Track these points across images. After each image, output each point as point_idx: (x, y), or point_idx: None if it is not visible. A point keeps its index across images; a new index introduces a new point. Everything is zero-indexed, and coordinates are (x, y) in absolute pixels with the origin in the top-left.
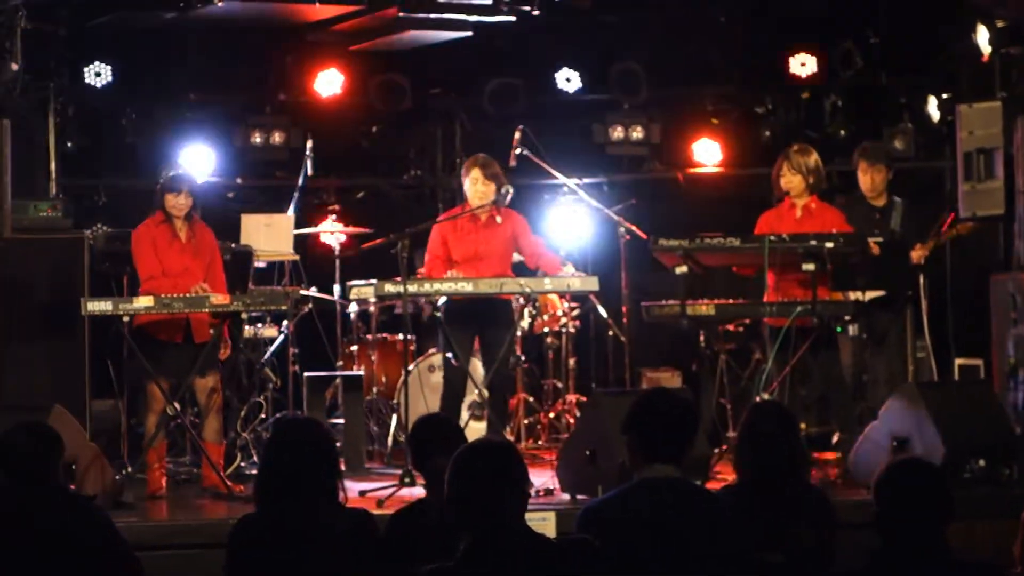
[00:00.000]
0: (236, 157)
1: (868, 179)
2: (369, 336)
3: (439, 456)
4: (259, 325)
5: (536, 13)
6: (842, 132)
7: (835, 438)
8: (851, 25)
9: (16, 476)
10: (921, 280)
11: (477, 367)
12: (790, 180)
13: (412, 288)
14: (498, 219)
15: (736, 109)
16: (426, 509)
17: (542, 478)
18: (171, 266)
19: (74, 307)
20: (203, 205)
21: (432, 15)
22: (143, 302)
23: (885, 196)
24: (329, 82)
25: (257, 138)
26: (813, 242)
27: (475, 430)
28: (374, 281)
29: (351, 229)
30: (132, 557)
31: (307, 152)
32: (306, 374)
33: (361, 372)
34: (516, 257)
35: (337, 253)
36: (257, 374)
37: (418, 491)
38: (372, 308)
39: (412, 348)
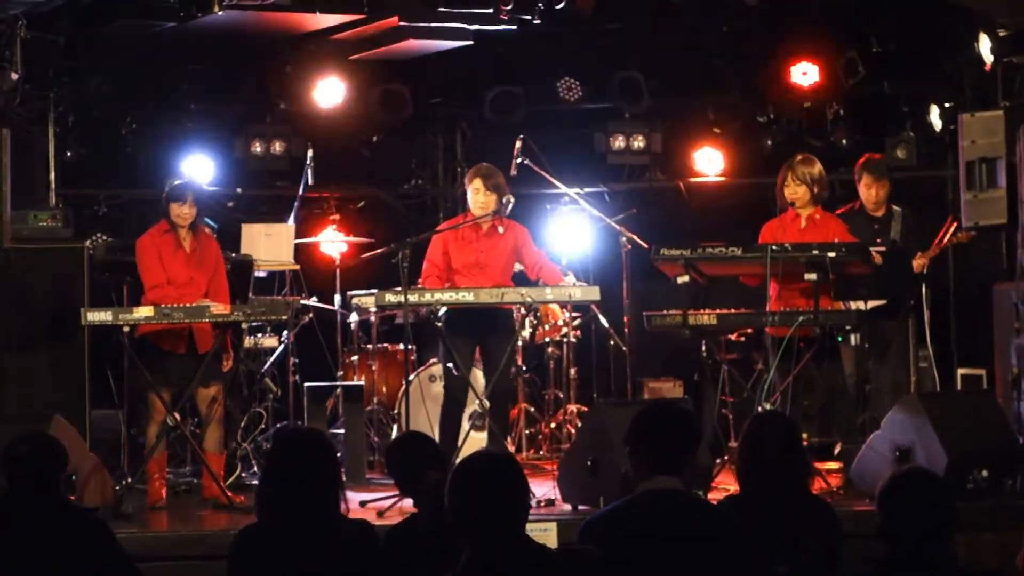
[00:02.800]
0: (236, 166)
1: (872, 193)
2: (370, 346)
3: (431, 470)
4: (259, 335)
5: (537, 22)
6: (844, 141)
7: (837, 448)
8: (854, 34)
9: (19, 487)
10: (924, 290)
11: (478, 377)
12: (794, 191)
13: (413, 298)
14: (500, 229)
15: (738, 118)
16: (418, 524)
17: (543, 488)
18: (176, 276)
19: (74, 317)
20: (208, 215)
21: (433, 24)
22: (143, 312)
23: (885, 206)
24: (330, 91)
25: (257, 147)
26: (815, 252)
27: (476, 440)
28: (375, 291)
29: (352, 239)
30: (132, 568)
31: (308, 161)
32: (307, 384)
33: (362, 382)
34: (517, 267)
35: (338, 263)
36: (257, 384)
37: None
38: (373, 318)
39: (413, 358)
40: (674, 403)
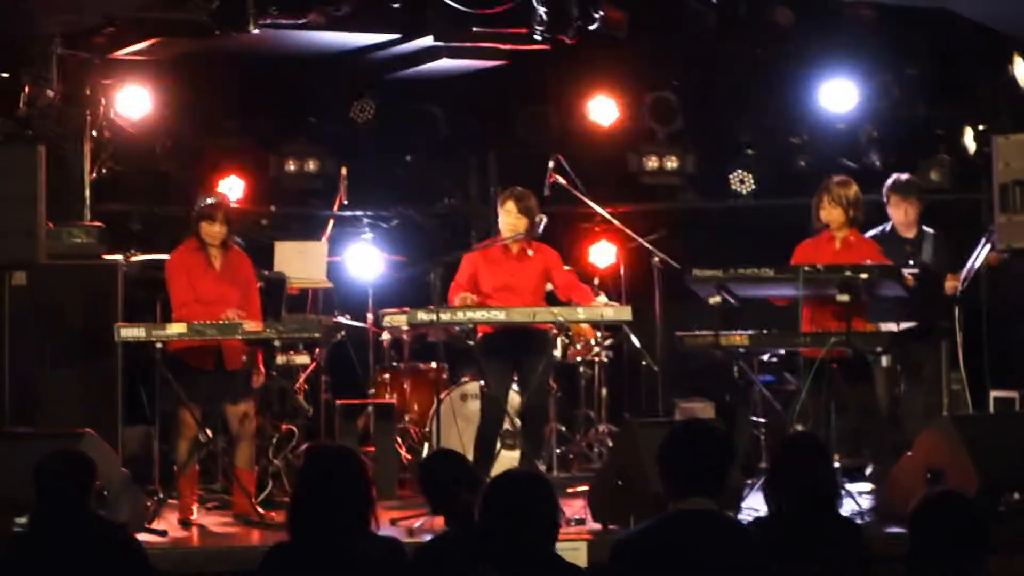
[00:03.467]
0: (270, 184)
1: (901, 212)
2: (402, 364)
3: (463, 491)
4: (291, 352)
5: (570, 42)
6: (877, 163)
7: (869, 470)
8: (888, 57)
9: (50, 502)
10: (956, 312)
11: (514, 398)
12: (830, 213)
13: (445, 317)
14: (530, 252)
15: (772, 139)
16: (449, 542)
17: (574, 508)
18: (205, 293)
19: (107, 333)
20: (241, 233)
21: (467, 44)
22: (176, 329)
23: (916, 228)
24: (363, 110)
25: (291, 166)
26: (848, 273)
27: (507, 459)
28: (407, 309)
29: (385, 257)
30: None
31: (341, 180)
32: (338, 402)
33: (393, 400)
34: (548, 287)
35: (370, 281)
36: (289, 402)
37: None
38: (405, 336)
39: (444, 376)
40: (707, 422)
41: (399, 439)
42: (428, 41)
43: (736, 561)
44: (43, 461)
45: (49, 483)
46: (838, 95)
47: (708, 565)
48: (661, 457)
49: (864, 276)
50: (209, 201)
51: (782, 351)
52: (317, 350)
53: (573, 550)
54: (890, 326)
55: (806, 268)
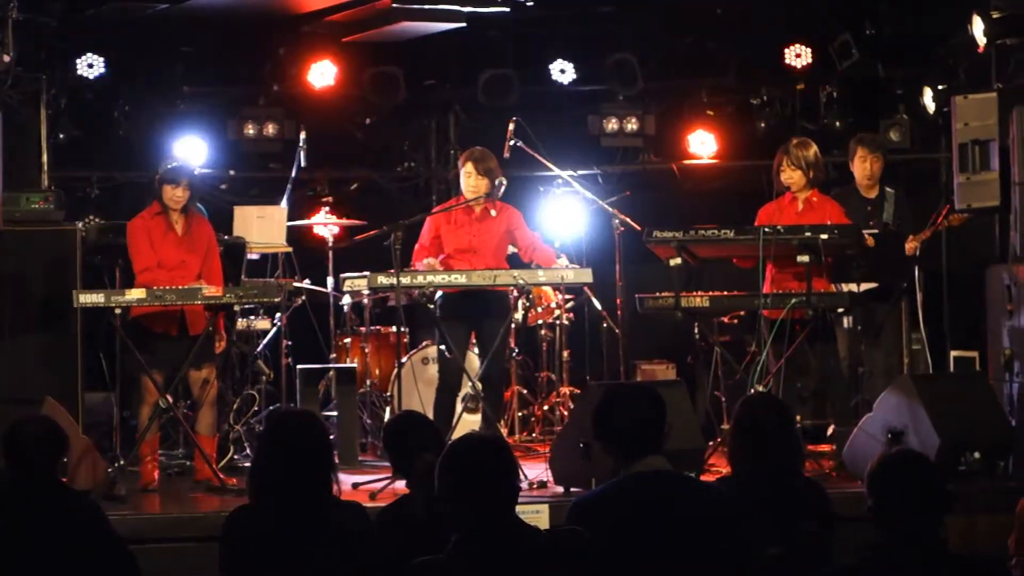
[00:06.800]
0: (229, 149)
1: (867, 167)
2: (362, 328)
3: (425, 452)
4: (252, 317)
5: (530, 4)
6: (838, 124)
7: (830, 430)
8: (848, 16)
9: (20, 469)
10: (916, 272)
11: (473, 361)
12: (791, 175)
13: (405, 280)
14: (492, 212)
15: (732, 100)
16: (411, 505)
17: (536, 471)
18: (167, 259)
19: (66, 299)
20: (201, 198)
21: (426, 6)
22: (135, 294)
23: (877, 187)
24: (323, 73)
25: (250, 130)
26: (808, 234)
27: (469, 423)
28: (367, 273)
29: (344, 221)
30: (126, 551)
31: (300, 144)
32: (299, 367)
33: (355, 364)
34: (511, 250)
35: (330, 245)
36: (250, 367)
37: None
38: (365, 300)
39: (406, 340)
40: (625, 385)
41: (360, 403)
42: (387, 3)
43: (697, 518)
44: (16, 429)
45: (21, 451)
46: (797, 56)
47: (668, 523)
48: (598, 429)
49: (824, 236)
50: (172, 165)
51: (743, 312)
52: (278, 315)
53: (535, 513)
54: (850, 287)
55: (766, 229)
